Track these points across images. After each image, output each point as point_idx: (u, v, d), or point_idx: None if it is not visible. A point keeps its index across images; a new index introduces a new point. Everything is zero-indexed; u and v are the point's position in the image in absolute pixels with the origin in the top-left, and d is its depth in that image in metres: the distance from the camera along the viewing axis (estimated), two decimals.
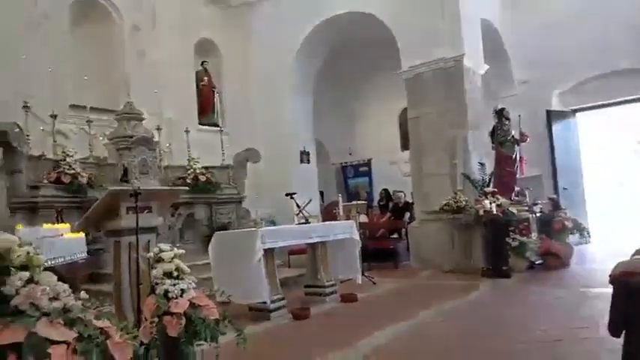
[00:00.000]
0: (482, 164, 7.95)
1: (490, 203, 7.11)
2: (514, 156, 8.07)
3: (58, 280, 1.86)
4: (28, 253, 1.74)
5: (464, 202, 7.46)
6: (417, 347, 3.60)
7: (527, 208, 7.86)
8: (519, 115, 8.27)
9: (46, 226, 2.27)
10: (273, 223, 8.67)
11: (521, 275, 6.81)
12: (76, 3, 7.90)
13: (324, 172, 12.33)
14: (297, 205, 5.95)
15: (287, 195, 6.00)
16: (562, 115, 10.57)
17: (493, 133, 8.18)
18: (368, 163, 13.34)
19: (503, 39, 10.21)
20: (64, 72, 7.43)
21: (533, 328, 3.92)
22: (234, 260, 4.93)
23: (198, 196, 7.78)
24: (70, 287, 1.88)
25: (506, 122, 8.13)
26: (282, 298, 5.21)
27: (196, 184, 7.78)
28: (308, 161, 10.42)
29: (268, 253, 5.06)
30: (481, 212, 7.10)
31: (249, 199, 8.57)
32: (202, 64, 9.78)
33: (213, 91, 9.70)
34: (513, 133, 8.08)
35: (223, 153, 8.56)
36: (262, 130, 10.07)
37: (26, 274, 1.72)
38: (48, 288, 1.74)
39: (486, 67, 8.62)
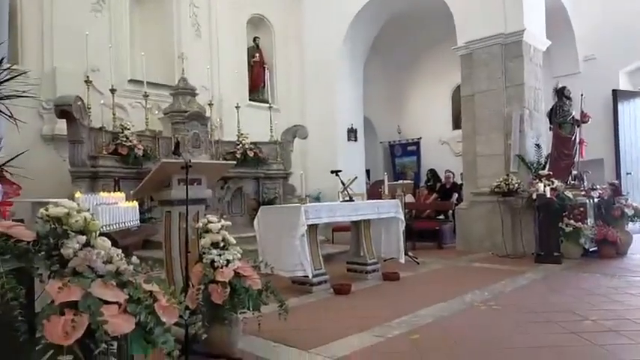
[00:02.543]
0: (538, 146, 7.62)
1: (544, 186, 6.83)
2: (573, 138, 7.64)
3: (112, 245, 1.99)
4: (86, 218, 1.86)
5: (516, 185, 7.20)
6: (461, 331, 3.55)
7: (584, 192, 7.47)
8: (581, 95, 7.79)
9: (102, 194, 2.41)
10: (318, 199, 8.77)
11: (573, 262, 6.55)
12: None
13: (371, 150, 12.25)
14: (342, 183, 5.96)
15: (332, 172, 6.01)
16: (630, 95, 9.87)
17: (552, 113, 7.76)
18: (417, 143, 13.08)
19: (569, 12, 9.58)
20: (124, 48, 7.73)
21: (583, 317, 3.77)
22: (279, 234, 5.04)
23: (247, 170, 7.97)
24: (123, 252, 2.01)
25: (567, 102, 7.69)
26: (325, 273, 5.29)
27: (245, 159, 7.96)
28: (355, 139, 10.37)
29: (312, 228, 5.13)
30: (534, 195, 6.83)
31: (296, 175, 8.68)
32: (254, 40, 9.85)
33: (264, 68, 9.78)
34: (574, 113, 7.64)
35: (272, 129, 8.67)
36: (311, 106, 10.11)
37: (83, 238, 1.85)
38: (103, 252, 1.86)
39: (548, 43, 8.15)
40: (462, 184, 9.25)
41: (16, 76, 2.33)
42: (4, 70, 2.40)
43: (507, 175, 7.37)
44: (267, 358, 3.11)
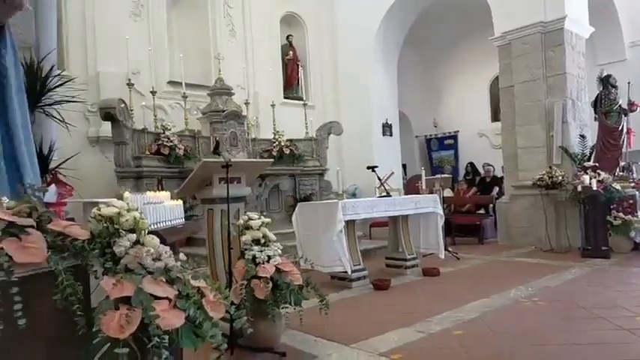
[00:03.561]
0: (582, 137, 7.35)
1: (590, 179, 6.59)
2: (620, 127, 7.31)
3: (160, 242, 2.06)
4: (135, 218, 1.93)
5: (560, 177, 6.96)
6: (506, 327, 3.47)
7: (633, 184, 7.14)
8: (629, 82, 7.44)
9: (149, 193, 2.50)
10: (354, 195, 8.75)
11: (622, 256, 6.29)
12: None
13: (407, 145, 12.11)
14: (379, 178, 5.93)
15: (368, 168, 5.99)
16: None
17: (596, 103, 7.46)
18: (454, 136, 12.83)
19: None
20: (162, 50, 7.94)
21: (634, 313, 3.62)
22: (317, 230, 5.07)
23: (283, 167, 8.05)
24: (170, 249, 2.08)
25: (613, 90, 7.37)
26: (363, 269, 5.29)
27: (281, 157, 8.05)
28: (391, 134, 10.29)
29: (349, 224, 5.14)
30: (579, 188, 6.60)
31: (331, 171, 8.69)
32: (287, 38, 9.91)
33: (298, 65, 9.83)
34: (620, 102, 7.31)
35: (307, 126, 8.72)
36: (345, 102, 10.09)
37: (133, 237, 1.92)
38: (152, 249, 1.93)
39: (591, 29, 7.81)
40: (502, 178, 9.03)
41: (65, 82, 2.44)
42: (55, 76, 2.51)
43: (550, 167, 7.13)
44: (310, 352, 3.15)
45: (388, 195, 5.74)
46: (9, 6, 2.09)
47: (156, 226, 2.35)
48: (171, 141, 6.78)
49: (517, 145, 7.76)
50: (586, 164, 6.94)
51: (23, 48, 2.41)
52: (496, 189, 9.21)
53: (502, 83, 8.10)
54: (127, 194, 2.22)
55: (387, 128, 10.20)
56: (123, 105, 6.18)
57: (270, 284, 3.08)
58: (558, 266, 5.77)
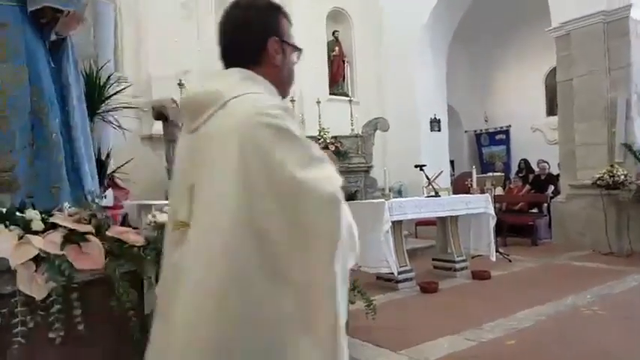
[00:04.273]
0: None
1: None
2: None
3: None
4: None
5: (622, 176, 6.54)
6: (563, 338, 3.31)
7: None
8: None
9: None
10: (400, 193, 8.62)
11: None
12: None
13: (455, 140, 11.78)
14: (427, 177, 5.80)
15: (416, 167, 5.87)
16: None
17: None
18: (506, 131, 12.37)
19: None
20: (212, 49, 8.07)
21: None
22: (363, 230, 4.97)
23: None
24: None
25: None
26: (410, 270, 5.20)
27: None
28: (439, 129, 10.03)
29: (396, 224, 5.06)
30: None
31: (377, 169, 8.59)
32: (334, 34, 9.85)
33: (344, 61, 9.76)
34: None
35: (352, 122, 8.65)
36: (392, 98, 9.93)
37: None
38: None
39: None
40: (557, 175, 8.61)
41: (123, 89, 2.52)
42: (112, 84, 2.60)
43: (612, 165, 6.71)
44: (357, 357, 3.12)
45: (437, 195, 5.60)
46: (71, 19, 2.18)
47: None
48: None
49: (575, 141, 7.36)
50: None
51: (83, 58, 2.52)
52: (551, 187, 8.80)
53: (560, 76, 7.70)
54: None
55: (435, 123, 9.96)
56: (174, 104, 6.34)
57: None
58: (620, 271, 5.44)
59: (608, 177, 6.60)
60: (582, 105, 7.22)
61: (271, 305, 0.99)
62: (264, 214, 0.99)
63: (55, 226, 1.83)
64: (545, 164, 9.34)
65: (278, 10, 1.24)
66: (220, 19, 1.26)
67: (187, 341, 1.00)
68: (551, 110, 10.51)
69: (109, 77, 2.76)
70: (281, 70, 1.22)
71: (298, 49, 1.27)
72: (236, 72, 1.18)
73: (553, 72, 8.67)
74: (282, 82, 1.23)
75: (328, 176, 1.05)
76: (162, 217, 1.97)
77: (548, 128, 10.96)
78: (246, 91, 1.10)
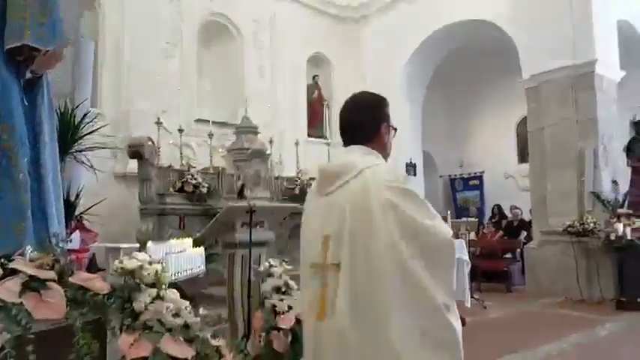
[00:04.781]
0: (615, 182, 7.12)
1: (624, 226, 6.34)
2: None
3: (180, 295, 2.01)
4: (157, 272, 1.90)
5: (592, 224, 6.71)
6: None
7: None
8: None
9: (172, 241, 2.47)
10: None
11: None
12: (202, 27, 8.60)
13: (431, 184, 11.95)
14: None
15: None
16: None
17: (629, 148, 7.26)
18: (480, 176, 12.64)
19: None
20: (191, 90, 8.15)
21: None
22: None
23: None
24: (190, 302, 2.03)
25: None
26: None
27: (303, 196, 7.99)
28: (414, 174, 10.18)
29: None
30: (612, 236, 6.35)
31: None
32: (314, 78, 10.07)
33: (323, 104, 9.93)
34: None
35: None
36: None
37: (154, 291, 1.88)
38: (172, 305, 1.88)
39: (622, 73, 7.69)
40: (530, 221, 8.78)
41: (98, 129, 2.48)
42: (87, 123, 2.56)
43: (581, 214, 6.89)
44: None
45: None
46: (49, 58, 2.15)
47: (176, 276, 2.31)
48: (195, 178, 6.83)
49: (547, 189, 7.56)
50: (619, 211, 6.70)
51: (59, 96, 2.48)
52: (524, 233, 8.95)
53: (530, 126, 7.99)
54: (149, 244, 2.20)
55: (410, 168, 10.11)
56: (150, 143, 6.29)
57: (290, 336, 2.98)
58: (591, 320, 5.48)
59: (578, 224, 6.76)
60: (552, 154, 7.46)
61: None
62: (403, 249, 1.36)
63: (14, 272, 1.73)
64: (518, 210, 9.53)
65: (386, 102, 1.72)
66: (345, 106, 1.70)
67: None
68: (523, 158, 10.83)
69: (84, 115, 2.71)
70: (386, 146, 1.65)
71: (395, 129, 1.71)
72: (358, 149, 1.57)
73: (524, 120, 8.99)
74: (386, 154, 1.64)
75: (445, 225, 1.51)
76: (130, 264, 1.89)
77: (520, 175, 11.25)
78: (374, 163, 1.50)
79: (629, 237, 6.24)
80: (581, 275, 6.79)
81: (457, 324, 1.42)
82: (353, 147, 1.58)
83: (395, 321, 1.33)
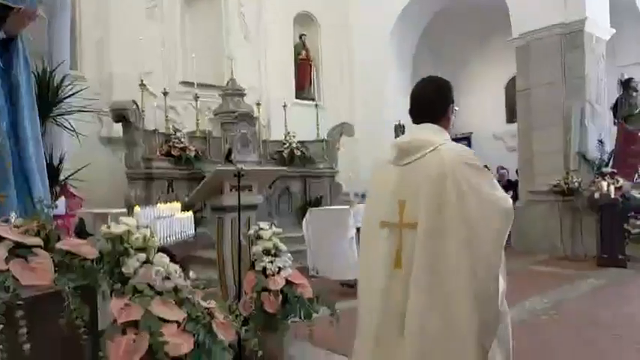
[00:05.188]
0: (601, 142, 7.18)
1: (608, 185, 6.45)
2: None
3: (170, 259, 2.01)
4: (145, 236, 1.88)
5: (577, 183, 6.82)
6: (520, 344, 3.37)
7: None
8: None
9: (160, 205, 2.45)
10: (365, 198, 8.66)
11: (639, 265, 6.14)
12: None
13: None
14: None
15: None
16: None
17: (616, 107, 7.29)
18: (468, 137, 12.65)
19: None
20: (175, 51, 7.92)
21: None
22: (328, 237, 5.01)
23: (294, 169, 7.96)
24: (180, 266, 2.03)
25: (634, 94, 7.19)
26: None
27: (292, 159, 7.98)
28: (403, 133, 10.15)
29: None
30: (597, 195, 6.47)
31: (342, 173, 8.61)
32: (300, 37, 9.82)
33: (311, 65, 9.75)
34: None
35: (318, 127, 8.64)
36: (359, 103, 9.99)
37: (143, 256, 1.88)
38: (162, 269, 1.88)
39: (612, 31, 7.61)
40: (516, 181, 8.88)
41: (78, 92, 2.40)
42: (67, 85, 2.47)
43: (567, 173, 6.98)
44: None
45: None
46: (22, 16, 2.05)
47: (166, 241, 2.30)
48: (182, 142, 6.75)
49: (533, 149, 7.61)
50: (604, 170, 6.79)
51: (35, 56, 2.38)
52: (510, 193, 9.06)
53: (519, 85, 7.95)
54: (137, 209, 2.17)
55: (399, 129, 10.07)
56: (135, 106, 6.16)
57: (280, 297, 3.03)
58: (575, 276, 5.65)
59: (563, 184, 6.86)
60: (540, 113, 7.47)
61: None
62: (470, 211, 1.62)
63: (0, 239, 1.70)
64: (504, 171, 9.62)
65: (452, 86, 1.95)
66: (417, 88, 1.93)
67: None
68: (512, 118, 10.83)
69: (63, 78, 2.61)
70: (449, 123, 1.90)
71: (454, 109, 1.95)
72: (430, 127, 1.82)
73: (513, 81, 8.94)
74: (449, 130, 1.89)
75: (506, 196, 1.75)
76: (118, 229, 1.88)
77: (509, 136, 11.28)
78: (445, 140, 1.77)
79: (612, 196, 6.35)
80: (566, 234, 6.96)
81: (503, 283, 1.72)
82: (425, 125, 1.83)
83: (458, 271, 1.61)
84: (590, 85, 7.18)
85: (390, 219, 1.77)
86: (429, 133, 1.80)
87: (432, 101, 1.88)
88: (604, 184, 6.48)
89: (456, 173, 1.65)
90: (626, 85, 7.23)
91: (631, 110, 7.19)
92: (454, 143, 1.82)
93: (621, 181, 6.53)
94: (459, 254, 1.62)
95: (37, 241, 1.73)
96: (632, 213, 6.55)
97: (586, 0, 7.01)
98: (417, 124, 1.87)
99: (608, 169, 6.81)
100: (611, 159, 7.13)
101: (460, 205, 1.63)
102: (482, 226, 1.64)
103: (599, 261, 6.35)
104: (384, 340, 1.73)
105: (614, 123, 7.43)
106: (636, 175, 7.06)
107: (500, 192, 1.73)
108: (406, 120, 8.04)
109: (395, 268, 1.73)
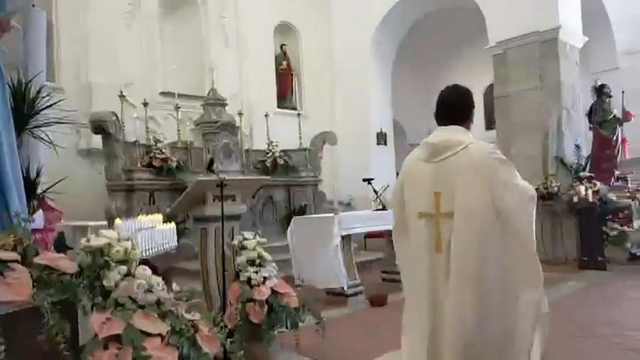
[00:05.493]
0: (577, 147, 7.34)
1: (586, 189, 6.58)
2: (615, 137, 7.33)
3: (152, 272, 1.97)
4: (126, 249, 1.85)
5: (556, 188, 6.94)
6: None
7: (628, 194, 7.15)
8: (622, 92, 7.47)
9: (141, 217, 2.41)
10: (349, 205, 8.69)
11: (619, 268, 6.27)
12: None
13: (401, 153, 12.04)
14: (375, 191, 5.88)
15: (364, 180, 5.94)
16: None
17: (591, 113, 7.47)
18: None
19: (605, 4, 9.19)
20: (155, 61, 7.86)
21: (632, 330, 3.57)
22: (312, 245, 5.00)
23: (277, 178, 7.94)
24: (163, 279, 2.00)
25: (607, 100, 7.39)
26: (359, 284, 5.22)
27: (275, 168, 7.96)
28: (385, 143, 10.25)
29: (345, 238, 5.07)
30: (575, 199, 6.60)
31: (326, 182, 8.62)
32: (281, 47, 9.86)
33: (292, 75, 9.78)
34: (615, 111, 7.33)
35: (301, 136, 8.65)
36: (340, 112, 10.06)
37: (124, 269, 1.84)
38: (143, 281, 1.85)
39: (585, 39, 7.83)
40: None
41: (55, 103, 2.36)
42: (44, 97, 2.43)
43: (546, 177, 7.11)
44: None
45: (384, 208, 5.68)
46: None
47: (148, 253, 2.26)
48: (163, 153, 6.68)
49: (512, 154, 7.72)
50: (582, 174, 6.94)
51: (10, 67, 2.33)
52: None
53: (497, 92, 8.09)
54: (118, 221, 2.14)
55: (381, 137, 10.16)
56: (114, 117, 6.08)
57: (266, 307, 3.00)
58: (556, 278, 5.71)
59: (542, 188, 6.97)
60: (517, 120, 7.61)
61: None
62: (500, 201, 1.91)
63: None
64: None
65: (472, 93, 2.27)
66: (444, 95, 2.21)
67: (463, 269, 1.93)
68: (490, 124, 11.01)
69: (40, 89, 2.57)
70: (471, 124, 2.19)
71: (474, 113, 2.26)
72: (456, 129, 2.09)
73: (491, 87, 9.11)
74: (470, 131, 2.16)
75: (528, 185, 2.04)
76: (98, 241, 1.84)
77: (487, 142, 11.43)
78: (473, 140, 2.04)
79: (590, 199, 6.49)
80: (547, 237, 7.06)
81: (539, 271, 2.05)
82: (452, 127, 2.09)
83: (489, 255, 1.91)
84: (566, 91, 7.34)
85: (427, 210, 2.03)
86: (458, 133, 2.07)
87: (457, 106, 2.16)
88: (582, 188, 6.61)
89: (486, 167, 1.93)
90: (599, 91, 7.42)
91: (605, 116, 7.38)
92: (481, 142, 2.06)
93: (599, 184, 6.68)
94: (494, 238, 1.90)
95: (14, 255, 1.69)
96: (610, 216, 6.70)
97: (559, 9, 7.20)
98: (444, 125, 2.13)
99: (586, 174, 6.96)
100: (588, 163, 7.29)
101: (493, 195, 1.90)
102: (516, 212, 1.92)
103: (580, 263, 6.46)
104: (432, 299, 2.01)
105: (590, 128, 7.60)
106: (612, 179, 7.23)
107: (523, 181, 2.01)
108: (387, 127, 8.11)
109: (436, 252, 2.01)
